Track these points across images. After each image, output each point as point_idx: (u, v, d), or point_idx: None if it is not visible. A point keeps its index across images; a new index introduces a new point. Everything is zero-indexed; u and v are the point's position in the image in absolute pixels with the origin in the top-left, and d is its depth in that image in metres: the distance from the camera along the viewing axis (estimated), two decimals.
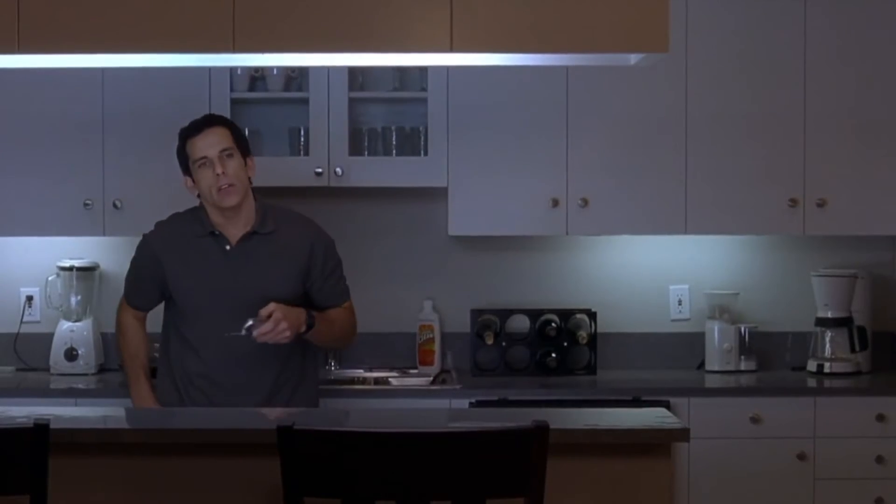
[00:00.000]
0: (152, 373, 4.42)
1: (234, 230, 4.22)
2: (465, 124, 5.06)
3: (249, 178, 4.25)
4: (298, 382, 4.32)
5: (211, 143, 4.16)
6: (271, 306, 4.03)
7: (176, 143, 4.29)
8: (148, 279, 4.31)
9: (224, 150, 4.15)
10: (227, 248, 4.21)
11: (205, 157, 4.15)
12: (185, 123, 4.99)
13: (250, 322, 4.03)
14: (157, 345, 4.48)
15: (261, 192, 5.12)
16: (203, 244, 4.23)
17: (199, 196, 4.26)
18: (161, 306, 4.40)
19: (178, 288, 4.24)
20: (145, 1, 3.55)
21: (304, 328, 4.11)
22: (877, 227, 5.15)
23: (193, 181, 4.21)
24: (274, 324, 4.01)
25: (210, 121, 4.22)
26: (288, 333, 4.05)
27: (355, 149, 5.15)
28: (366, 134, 5.20)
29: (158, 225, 4.37)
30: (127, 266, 5.31)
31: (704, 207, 5.08)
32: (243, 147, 4.23)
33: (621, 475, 3.41)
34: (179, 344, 4.27)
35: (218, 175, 4.13)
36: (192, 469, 3.41)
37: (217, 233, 4.22)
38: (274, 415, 3.88)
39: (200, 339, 4.23)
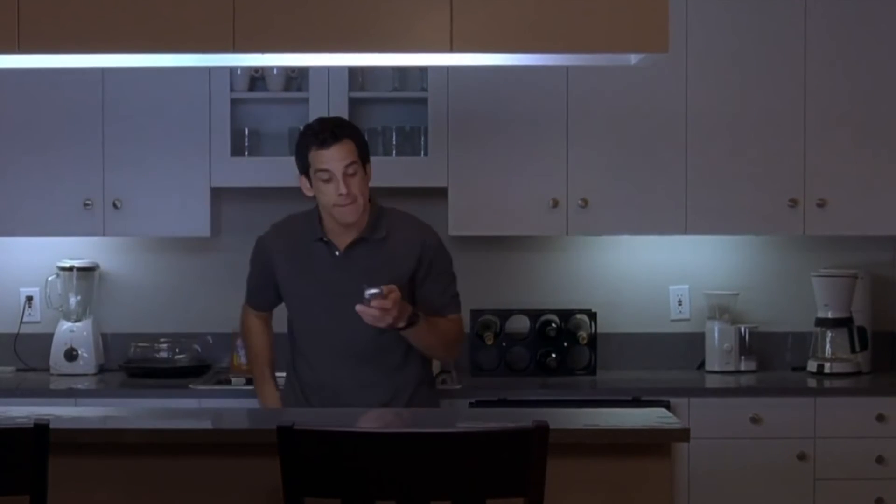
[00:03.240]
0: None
1: (345, 237, 4.10)
2: (465, 124, 5.07)
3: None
4: (417, 387, 4.20)
5: (337, 158, 3.99)
6: (393, 288, 3.91)
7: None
8: (264, 281, 4.24)
9: (349, 165, 4.00)
10: (336, 254, 4.11)
11: (329, 172, 4.01)
12: (188, 123, 5.04)
13: (375, 290, 3.88)
14: None
15: (261, 193, 5.15)
16: (314, 249, 4.12)
17: (312, 197, 4.14)
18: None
19: (288, 292, 4.18)
20: (145, 1, 3.55)
21: (402, 323, 3.97)
22: (877, 227, 5.15)
23: (311, 185, 4.08)
24: (392, 303, 3.89)
25: (337, 134, 4.03)
26: (389, 321, 3.92)
27: None
28: (366, 134, 5.18)
29: (273, 226, 4.29)
30: (127, 265, 5.34)
31: (704, 207, 5.08)
32: (365, 156, 4.09)
33: (621, 475, 3.40)
34: (295, 350, 4.21)
35: (340, 195, 4.00)
36: (192, 469, 3.41)
37: (327, 239, 4.12)
38: (274, 415, 3.88)
39: (309, 344, 4.16)
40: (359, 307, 3.89)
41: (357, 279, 3.97)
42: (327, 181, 4.01)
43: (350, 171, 4.02)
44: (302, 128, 4.18)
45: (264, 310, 4.36)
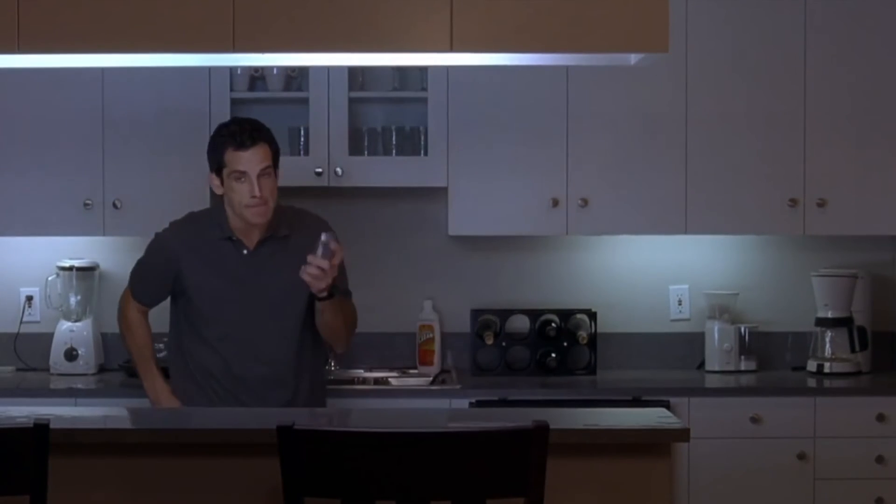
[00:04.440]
0: (164, 372, 4.42)
1: (253, 236, 4.23)
2: (465, 124, 5.07)
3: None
4: (315, 386, 4.38)
5: (253, 160, 4.10)
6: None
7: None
8: (160, 277, 4.32)
9: (264, 168, 4.11)
10: (245, 252, 4.23)
11: (244, 173, 4.11)
12: (188, 123, 5.04)
13: (330, 238, 4.01)
14: (160, 344, 4.48)
15: None
16: (221, 247, 4.24)
17: (221, 195, 4.23)
18: (166, 304, 4.41)
19: (197, 289, 4.25)
20: (146, 1, 3.55)
21: (324, 293, 4.09)
22: (877, 227, 5.15)
23: (221, 184, 4.18)
24: (341, 252, 4.03)
25: (255, 137, 4.14)
26: (328, 281, 4.03)
27: (355, 149, 5.15)
28: (366, 134, 5.20)
29: (174, 224, 4.36)
30: (127, 265, 5.32)
31: (704, 207, 5.08)
32: (277, 162, 4.20)
33: (621, 475, 3.41)
34: (197, 343, 4.27)
35: (254, 197, 4.11)
36: (192, 469, 3.41)
37: (235, 238, 4.23)
38: (274, 415, 3.88)
39: (220, 338, 4.24)
40: (310, 256, 3.99)
41: (266, 276, 4.19)
42: (241, 182, 4.12)
43: (265, 173, 4.13)
44: (217, 126, 4.27)
45: (150, 305, 4.44)
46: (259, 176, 4.11)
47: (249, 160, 4.11)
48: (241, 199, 4.13)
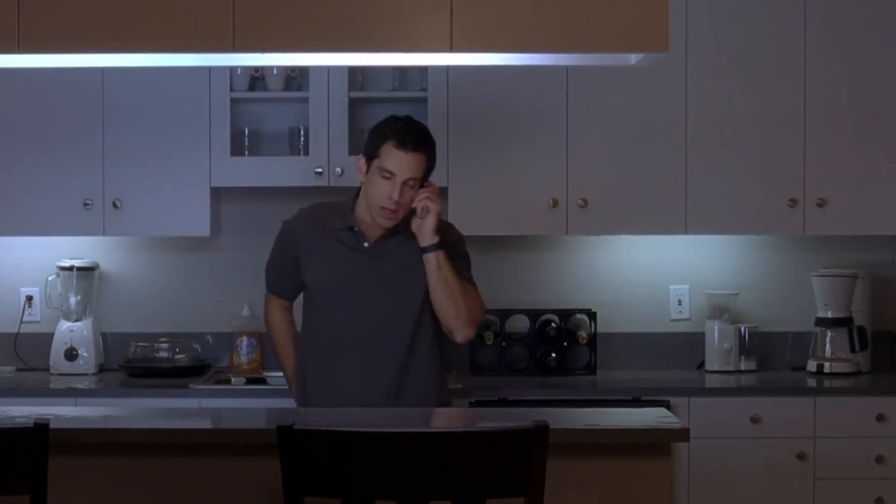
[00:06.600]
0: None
1: (376, 229, 4.13)
2: (465, 124, 5.06)
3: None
4: (429, 385, 4.19)
5: (406, 166, 4.01)
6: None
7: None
8: (286, 265, 4.23)
9: (411, 178, 4.02)
10: (365, 244, 4.14)
11: (392, 174, 4.01)
12: (188, 123, 5.04)
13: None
14: None
15: (260, 193, 5.15)
16: (342, 237, 4.14)
17: (361, 182, 4.13)
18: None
19: (313, 278, 4.16)
20: (145, 1, 3.56)
21: (437, 238, 4.05)
22: (877, 227, 5.15)
23: (367, 171, 4.08)
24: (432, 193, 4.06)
25: (419, 144, 4.03)
26: (434, 204, 4.05)
27: (355, 148, 5.14)
28: (366, 134, 5.19)
29: (300, 211, 4.29)
30: (127, 265, 5.33)
31: (704, 207, 5.08)
32: (428, 174, 4.09)
33: (621, 475, 3.41)
34: (311, 333, 4.18)
35: (391, 199, 4.01)
36: (192, 469, 3.41)
37: (357, 229, 4.14)
38: (274, 415, 3.88)
39: (332, 329, 4.12)
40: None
41: (384, 271, 4.08)
42: (385, 180, 4.03)
43: (410, 183, 4.04)
44: (388, 116, 4.15)
45: (287, 297, 4.34)
46: (404, 183, 4.02)
47: (403, 164, 4.01)
48: (378, 198, 4.04)
